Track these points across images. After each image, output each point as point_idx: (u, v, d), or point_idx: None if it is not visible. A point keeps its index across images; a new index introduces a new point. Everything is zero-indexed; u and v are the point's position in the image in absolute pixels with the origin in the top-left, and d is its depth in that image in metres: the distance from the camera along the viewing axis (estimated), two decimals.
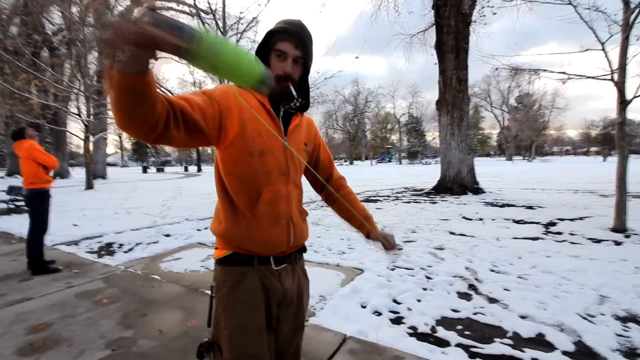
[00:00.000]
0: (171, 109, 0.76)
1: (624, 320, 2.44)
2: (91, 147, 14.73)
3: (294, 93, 1.00)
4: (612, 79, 5.16)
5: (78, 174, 26.06)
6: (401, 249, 1.30)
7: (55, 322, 2.46)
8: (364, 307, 2.70)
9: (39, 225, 3.72)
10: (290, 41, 0.98)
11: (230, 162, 0.98)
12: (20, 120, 15.31)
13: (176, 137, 0.79)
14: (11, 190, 8.40)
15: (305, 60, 1.03)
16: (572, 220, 6.04)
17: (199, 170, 37.76)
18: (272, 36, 1.00)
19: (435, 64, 11.16)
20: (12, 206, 8.26)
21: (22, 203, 7.44)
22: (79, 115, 13.96)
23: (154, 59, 0.57)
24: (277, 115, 1.04)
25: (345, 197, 1.29)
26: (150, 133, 0.72)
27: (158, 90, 0.70)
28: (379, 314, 2.59)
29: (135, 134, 0.71)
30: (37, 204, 3.72)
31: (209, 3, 9.90)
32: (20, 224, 5.85)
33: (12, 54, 14.54)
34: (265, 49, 1.02)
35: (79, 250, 4.54)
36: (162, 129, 0.74)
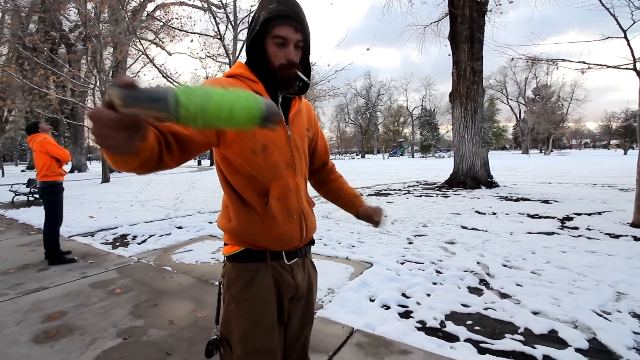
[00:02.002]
0: (162, 137, 0.73)
1: None
2: None
3: (304, 77, 0.95)
4: (634, 68, 4.94)
5: (95, 167, 26.74)
6: (386, 216, 1.27)
7: (69, 311, 2.54)
8: (372, 300, 2.69)
9: (53, 217, 3.82)
10: (289, 25, 0.90)
11: (232, 162, 0.93)
12: (39, 115, 15.76)
13: (170, 163, 0.76)
14: (30, 183, 8.68)
15: (305, 43, 0.96)
16: (589, 214, 5.86)
17: (212, 164, 38.23)
18: (268, 21, 0.90)
19: (449, 55, 10.91)
20: (31, 198, 8.54)
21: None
22: None
23: (140, 135, 0.54)
24: (276, 103, 0.98)
25: (336, 180, 1.28)
26: (143, 171, 0.71)
27: (149, 125, 0.67)
28: (388, 307, 2.57)
29: (128, 172, 0.71)
30: (50, 196, 3.82)
31: None
32: (39, 216, 6.04)
33: (31, 51, 14.92)
34: (259, 35, 0.93)
35: (94, 242, 4.66)
36: (154, 165, 0.72)
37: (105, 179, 14.44)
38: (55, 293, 2.89)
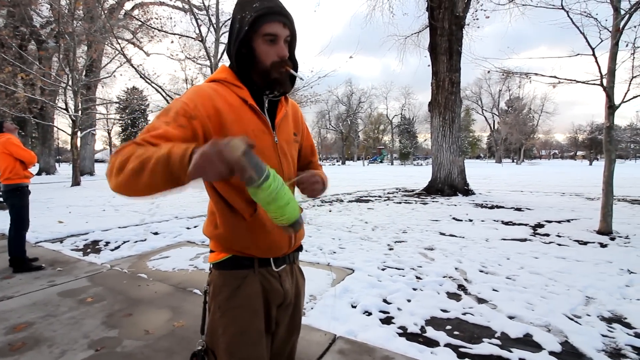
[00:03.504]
0: None
1: (609, 321, 2.47)
2: (78, 143, 14.44)
3: (297, 75, 0.94)
4: (601, 84, 5.25)
5: (65, 170, 25.56)
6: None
7: (36, 322, 2.39)
8: (354, 307, 2.69)
9: (18, 221, 3.62)
10: (278, 21, 0.89)
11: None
12: (5, 114, 14.95)
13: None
14: None
15: (292, 38, 0.96)
16: (559, 222, 6.14)
17: None
18: (256, 19, 0.89)
19: (429, 65, 11.23)
20: None
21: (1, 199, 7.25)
22: (67, 110, 13.69)
23: (225, 177, 0.66)
24: (262, 108, 0.96)
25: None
26: (153, 196, 0.75)
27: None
28: (369, 313, 2.58)
29: (127, 196, 0.75)
30: (14, 200, 3.61)
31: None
32: (2, 220, 5.69)
33: None
34: (247, 34, 0.90)
35: (63, 248, 4.43)
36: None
37: (76, 182, 13.81)
38: (21, 303, 2.72)
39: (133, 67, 9.99)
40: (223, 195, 0.93)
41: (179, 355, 1.99)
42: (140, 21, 14.25)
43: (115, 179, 0.72)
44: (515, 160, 55.83)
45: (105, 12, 12.17)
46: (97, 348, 2.07)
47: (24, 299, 2.81)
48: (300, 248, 1.12)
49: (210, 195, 0.96)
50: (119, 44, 10.76)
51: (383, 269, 3.55)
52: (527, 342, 2.19)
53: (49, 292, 2.96)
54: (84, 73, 15.44)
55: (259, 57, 0.91)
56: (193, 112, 0.83)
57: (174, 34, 11.76)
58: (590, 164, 41.61)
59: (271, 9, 0.89)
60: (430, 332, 2.30)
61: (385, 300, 2.79)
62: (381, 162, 61.57)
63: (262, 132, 0.94)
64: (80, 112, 14.01)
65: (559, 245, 4.56)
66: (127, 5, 19.40)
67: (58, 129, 18.53)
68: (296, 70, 1.00)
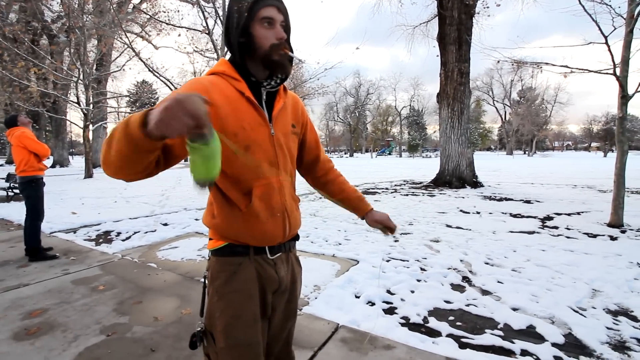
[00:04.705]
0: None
1: (615, 314, 2.46)
2: (91, 136, 14.69)
3: (296, 56, 0.96)
4: (614, 73, 5.12)
5: (78, 162, 26.07)
6: (395, 232, 1.29)
7: (51, 308, 2.49)
8: (357, 297, 2.72)
9: (34, 212, 3.73)
10: (273, 6, 0.94)
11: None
12: (19, 108, 15.27)
13: (159, 170, 0.83)
14: (9, 177, 8.42)
15: (287, 24, 0.98)
16: (569, 215, 6.05)
17: None
18: (253, 5, 0.93)
19: (437, 56, 11.05)
20: (10, 193, 8.28)
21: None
22: (78, 104, 13.90)
23: (185, 132, 0.65)
24: (259, 100, 0.98)
25: (335, 180, 1.26)
26: (140, 176, 0.79)
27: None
28: (373, 304, 2.61)
29: (124, 179, 0.79)
30: (30, 192, 3.72)
31: None
32: (18, 211, 5.87)
33: (11, 41, 14.45)
34: (246, 20, 0.94)
35: (76, 238, 4.56)
36: (149, 171, 0.80)
37: (89, 175, 14.09)
38: (36, 290, 2.83)
39: (142, 60, 10.07)
40: (220, 187, 0.97)
41: (186, 341, 2.06)
42: (149, 15, 14.30)
43: (101, 159, 0.77)
44: (526, 152, 54.85)
45: (114, 6, 12.25)
46: (108, 333, 2.15)
47: (39, 286, 2.92)
48: (296, 237, 1.15)
49: (209, 187, 0.99)
50: (128, 37, 10.83)
51: (388, 261, 3.57)
52: (530, 334, 2.20)
53: (63, 280, 3.07)
54: (94, 67, 15.62)
55: (259, 41, 0.94)
56: None
57: (182, 27, 11.79)
58: (605, 156, 40.66)
59: None
60: (433, 323, 2.32)
61: (389, 291, 2.82)
62: (389, 154, 61.15)
63: (258, 124, 0.96)
64: (91, 105, 14.23)
65: (568, 238, 4.51)
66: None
67: (71, 122, 18.86)
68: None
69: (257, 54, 0.95)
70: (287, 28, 0.99)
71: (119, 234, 4.83)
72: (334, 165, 1.29)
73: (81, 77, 13.54)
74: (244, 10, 0.93)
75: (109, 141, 0.73)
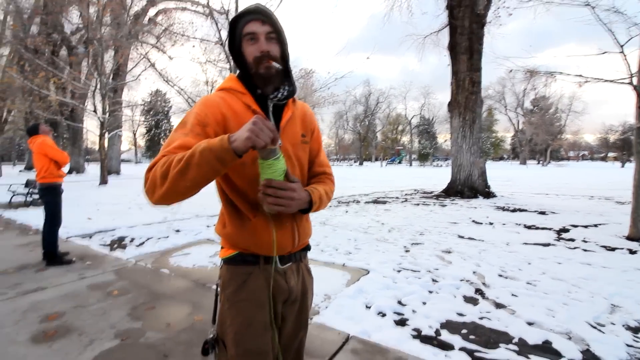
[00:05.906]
0: None
1: (635, 330, 2.38)
2: (106, 144, 15.05)
3: (276, 65, 0.96)
4: (630, 83, 5.03)
5: (93, 169, 26.67)
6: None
7: (67, 312, 2.54)
8: (368, 307, 2.70)
9: (52, 218, 3.84)
10: (254, 20, 0.95)
11: (226, 173, 0.97)
12: (39, 116, 15.78)
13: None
14: (28, 183, 8.67)
15: (278, 34, 0.98)
16: (585, 227, 5.91)
17: None
18: (237, 25, 0.98)
19: (448, 65, 11.05)
20: (29, 199, 8.52)
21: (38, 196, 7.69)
22: (95, 112, 14.29)
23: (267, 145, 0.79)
24: (267, 113, 1.01)
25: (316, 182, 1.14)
26: (185, 197, 0.84)
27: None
28: (384, 315, 2.59)
29: (168, 203, 0.84)
30: (49, 198, 3.84)
31: (222, 3, 9.99)
32: (37, 217, 6.03)
33: (32, 52, 15.01)
34: (235, 42, 1.00)
35: (92, 243, 4.66)
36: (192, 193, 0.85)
37: (104, 181, 14.40)
38: (54, 294, 2.90)
39: (157, 71, 10.35)
40: (230, 197, 1.00)
41: (198, 348, 2.05)
42: (164, 27, 14.72)
43: (159, 189, 0.80)
44: (540, 162, 53.87)
45: (131, 18, 12.65)
46: (122, 338, 2.18)
47: (56, 290, 2.98)
48: (307, 247, 1.16)
49: (220, 196, 1.04)
50: (144, 48, 11.15)
51: (399, 271, 3.54)
52: (546, 349, 2.14)
53: (79, 284, 3.13)
54: (111, 77, 16.06)
55: (247, 58, 0.99)
56: (205, 120, 0.93)
57: (196, 39, 12.09)
58: (622, 166, 39.62)
59: (247, 10, 0.97)
60: (445, 336, 2.29)
61: (400, 302, 2.79)
62: (399, 163, 60.81)
63: None
64: (107, 114, 14.61)
65: (585, 250, 4.40)
66: (151, 12, 20.06)
67: (87, 130, 19.38)
68: (288, 63, 1.04)
69: (249, 70, 0.99)
70: (278, 38, 0.99)
71: (132, 239, 4.91)
72: (329, 176, 1.17)
73: (98, 86, 13.95)
74: (230, 31, 1.00)
75: (184, 169, 0.78)
